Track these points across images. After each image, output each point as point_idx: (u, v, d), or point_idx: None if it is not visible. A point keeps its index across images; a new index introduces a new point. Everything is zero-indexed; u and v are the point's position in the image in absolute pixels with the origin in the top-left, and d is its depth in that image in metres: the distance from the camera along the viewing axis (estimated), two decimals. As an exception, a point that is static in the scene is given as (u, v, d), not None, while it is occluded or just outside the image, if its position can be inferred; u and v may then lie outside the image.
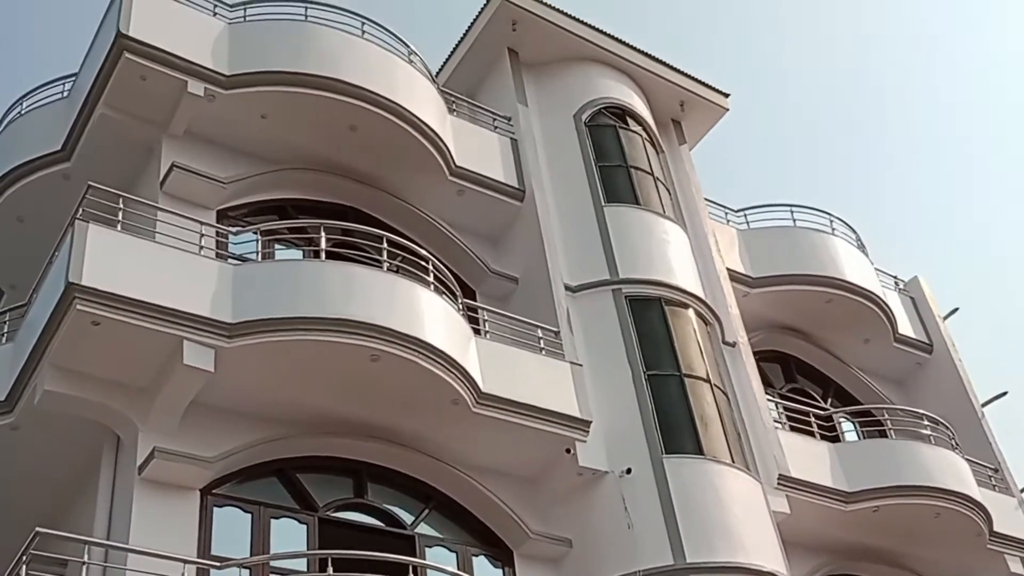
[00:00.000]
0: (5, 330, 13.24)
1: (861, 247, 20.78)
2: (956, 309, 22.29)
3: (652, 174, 17.54)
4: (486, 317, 14.58)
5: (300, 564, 11.99)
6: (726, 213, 19.92)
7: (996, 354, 49.68)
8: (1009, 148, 58.46)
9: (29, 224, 15.09)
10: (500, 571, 13.71)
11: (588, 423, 14.03)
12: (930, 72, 60.22)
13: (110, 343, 11.47)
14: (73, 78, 15.38)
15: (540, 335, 14.68)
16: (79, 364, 11.61)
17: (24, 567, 9.67)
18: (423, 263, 13.61)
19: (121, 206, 12.49)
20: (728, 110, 19.96)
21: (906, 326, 20.96)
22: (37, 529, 9.97)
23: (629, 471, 13.92)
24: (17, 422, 12.11)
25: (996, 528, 17.60)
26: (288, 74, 14.53)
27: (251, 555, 11.80)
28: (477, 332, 14.00)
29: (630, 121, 18.04)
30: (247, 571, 11.40)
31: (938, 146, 60.93)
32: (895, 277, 22.25)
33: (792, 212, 20.35)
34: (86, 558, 10.32)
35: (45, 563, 9.98)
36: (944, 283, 47.77)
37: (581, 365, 14.63)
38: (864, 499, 16.33)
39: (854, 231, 20.85)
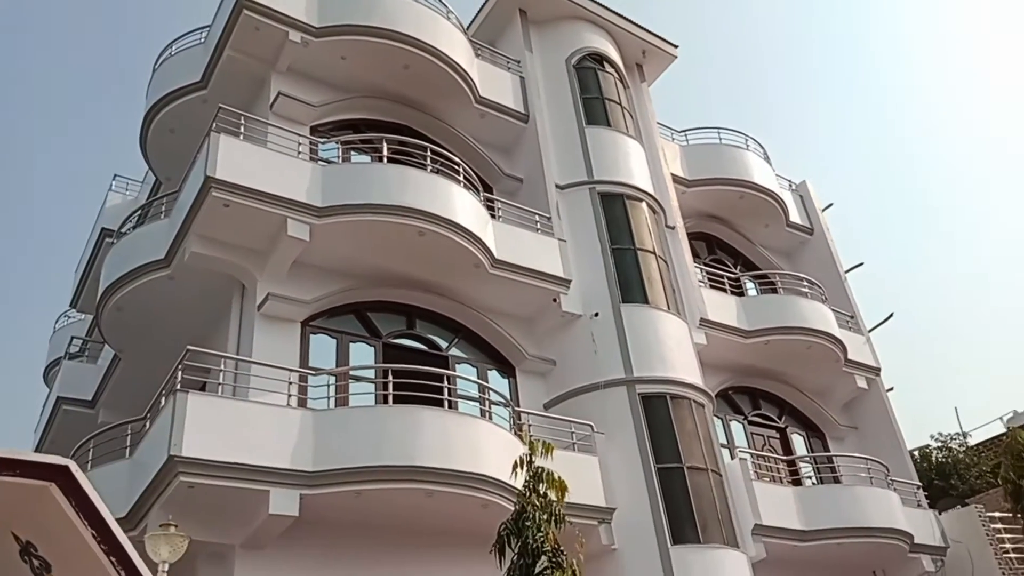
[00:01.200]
0: (163, 209, 13.26)
1: (767, 158, 20.50)
2: (831, 204, 22.16)
3: (620, 104, 17.22)
4: (499, 206, 14.54)
5: (369, 374, 12.30)
6: (672, 133, 19.58)
7: (858, 235, 49.62)
8: (880, 83, 57.12)
9: (178, 134, 14.90)
10: (506, 380, 13.95)
11: (569, 281, 14.16)
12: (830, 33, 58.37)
13: (236, 219, 11.52)
14: (207, 28, 14.99)
15: (537, 219, 14.66)
16: (215, 233, 11.70)
17: (180, 373, 9.90)
18: (455, 166, 13.52)
19: (243, 122, 12.41)
20: (676, 57, 19.42)
21: (795, 215, 20.84)
22: (188, 347, 10.21)
23: (597, 314, 14.10)
24: (172, 274, 12.22)
25: (849, 357, 17.90)
26: (361, 27, 14.14)
27: (336, 367, 12.13)
28: (493, 217, 13.99)
29: (606, 65, 17.61)
30: (334, 378, 11.66)
31: (833, 80, 59.54)
32: (790, 180, 21.99)
33: (719, 132, 20.03)
34: (223, 367, 10.65)
35: (194, 372, 10.21)
36: (825, 185, 47.39)
37: (565, 241, 14.66)
38: (759, 335, 16.59)
39: (762, 147, 20.55)
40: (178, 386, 9.63)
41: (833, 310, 18.17)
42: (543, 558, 8.12)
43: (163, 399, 10.12)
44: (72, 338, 18.19)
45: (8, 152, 52.41)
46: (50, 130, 54.32)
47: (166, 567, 6.06)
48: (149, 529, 8.74)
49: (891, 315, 20.39)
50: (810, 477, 17.01)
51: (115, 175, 19.88)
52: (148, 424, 10.46)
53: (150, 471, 9.51)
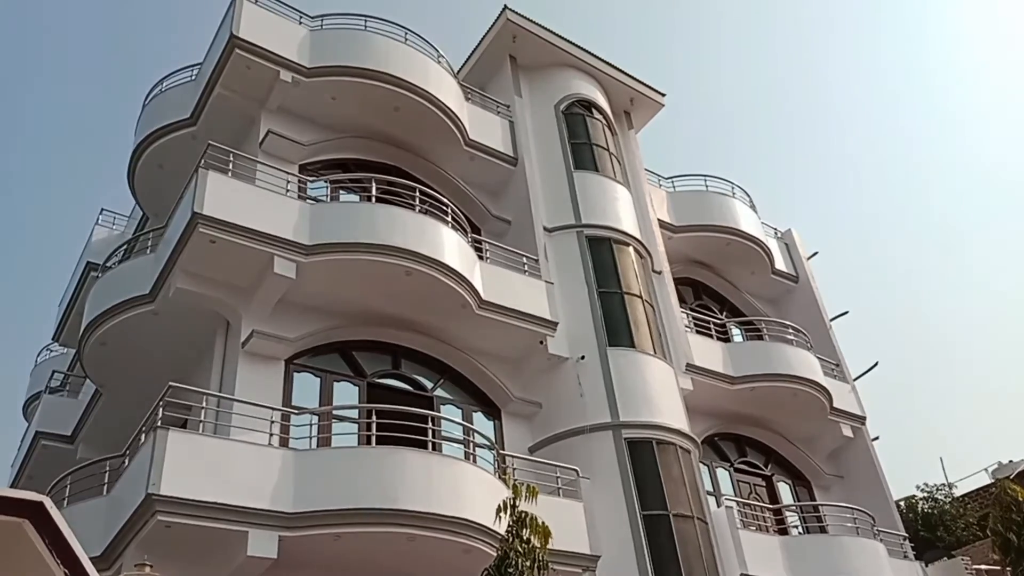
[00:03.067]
0: (149, 244, 13.22)
1: (752, 206, 20.71)
2: (816, 252, 22.37)
3: (608, 150, 17.42)
4: (487, 247, 14.58)
5: (353, 413, 12.19)
6: (659, 179, 19.78)
7: (843, 284, 49.99)
8: (863, 129, 58.08)
9: (166, 170, 14.91)
10: (491, 422, 13.85)
11: (556, 324, 14.15)
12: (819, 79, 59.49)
13: (223, 255, 11.50)
14: (198, 66, 15.15)
15: (524, 261, 14.70)
16: (201, 269, 11.66)
17: (161, 410, 9.79)
18: (444, 207, 13.58)
19: (231, 159, 12.45)
20: (664, 105, 19.73)
21: (780, 263, 20.99)
22: (170, 383, 10.10)
23: (583, 357, 14.07)
24: (157, 309, 12.15)
25: (835, 405, 17.90)
26: (352, 68, 14.32)
27: (320, 405, 12.02)
28: (481, 258, 14.02)
29: (594, 111, 17.84)
30: (317, 417, 11.55)
31: (818, 132, 60.48)
32: (775, 228, 22.19)
33: (705, 180, 20.23)
34: (205, 404, 10.53)
35: (176, 409, 10.10)
36: (810, 234, 47.81)
37: (552, 283, 14.68)
38: (745, 382, 16.57)
39: (748, 195, 20.75)
40: (159, 423, 9.51)
41: (819, 358, 18.21)
42: (526, 605, 7.98)
43: (143, 436, 9.98)
44: (53, 372, 17.99)
45: (-5, 185, 52.31)
46: (37, 162, 54.31)
47: (139, 609, 5.91)
48: (124, 569, 8.57)
49: (876, 364, 20.47)
50: (796, 526, 16.87)
51: (102, 209, 19.91)
52: (127, 461, 10.30)
53: (127, 509, 9.34)
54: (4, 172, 52.47)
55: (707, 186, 20.13)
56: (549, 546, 8.54)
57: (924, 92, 58.83)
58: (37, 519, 5.30)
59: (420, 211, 13.17)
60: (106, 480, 10.76)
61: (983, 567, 16.66)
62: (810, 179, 60.32)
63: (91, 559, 5.44)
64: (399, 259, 12.14)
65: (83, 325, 12.94)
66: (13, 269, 51.98)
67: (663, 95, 19.64)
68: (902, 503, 21.69)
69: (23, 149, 54.14)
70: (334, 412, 11.91)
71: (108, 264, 13.59)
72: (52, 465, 15.17)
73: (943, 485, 23.71)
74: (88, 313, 12.87)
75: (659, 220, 18.00)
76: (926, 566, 16.94)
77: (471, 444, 12.22)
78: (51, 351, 20.54)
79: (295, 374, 12.11)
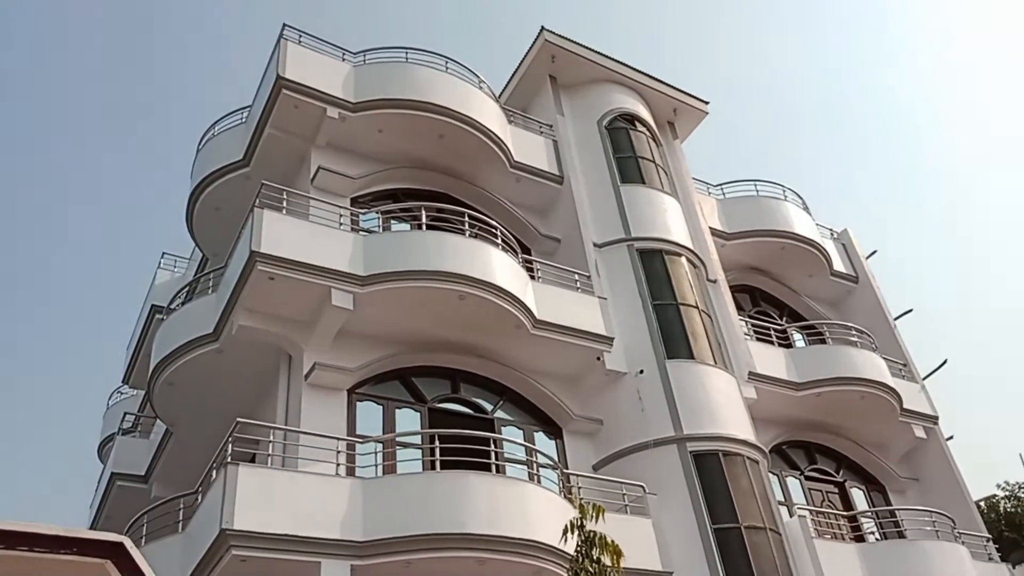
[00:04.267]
0: (210, 284, 13.54)
1: (806, 208, 20.38)
2: (875, 251, 21.88)
3: (654, 162, 17.34)
4: (538, 267, 14.60)
5: (416, 439, 12.26)
6: (708, 187, 19.61)
7: (906, 282, 48.75)
8: (917, 124, 56.78)
9: (223, 211, 15.29)
10: (553, 442, 13.79)
11: (612, 339, 14.06)
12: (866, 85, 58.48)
13: (281, 291, 11.72)
14: (248, 108, 15.55)
15: (576, 279, 14.68)
16: (261, 306, 11.89)
17: (230, 446, 10.00)
18: (493, 230, 13.65)
19: (285, 197, 12.71)
20: (708, 113, 19.57)
21: (839, 264, 20.59)
22: (238, 419, 10.29)
23: (642, 371, 13.94)
24: (221, 347, 12.40)
25: (905, 406, 17.40)
26: (396, 100, 14.54)
27: (383, 433, 12.13)
28: (532, 278, 14.04)
29: (638, 124, 17.80)
30: (381, 445, 11.63)
31: (878, 132, 59.34)
32: (831, 229, 21.82)
33: (756, 185, 20.01)
34: (271, 437, 10.70)
35: (244, 444, 10.31)
36: (868, 233, 46.86)
37: (606, 299, 14.62)
38: (810, 387, 16.22)
39: (800, 197, 20.45)
40: (228, 459, 9.69)
41: (884, 359, 17.74)
42: (600, 625, 7.88)
43: (214, 472, 10.18)
44: (125, 414, 18.50)
45: (63, 233, 54.30)
46: (102, 209, 56.25)
47: (220, 644, 6.01)
48: (202, 606, 8.72)
49: (945, 361, 19.88)
50: (873, 533, 16.38)
51: (163, 253, 20.47)
52: (200, 498, 10.51)
53: (203, 545, 9.52)
54: (75, 219, 54.46)
55: (758, 191, 19.88)
56: (620, 565, 8.45)
57: (969, 84, 57.32)
58: (118, 559, 5.45)
59: (470, 235, 13.26)
60: (180, 517, 11.01)
61: (1075, 566, 15.92)
62: (861, 179, 59.13)
63: (172, 596, 5.55)
64: (452, 284, 12.22)
65: (151, 367, 13.29)
66: (84, 315, 53.78)
67: (706, 103, 19.50)
68: (982, 503, 20.96)
69: (91, 195, 56.18)
70: (398, 439, 11.99)
71: (172, 306, 13.96)
72: (128, 504, 15.56)
73: (1025, 483, 22.85)
74: (155, 355, 13.21)
75: (711, 228, 17.82)
76: (1013, 568, 16.27)
77: (534, 465, 12.18)
78: (122, 393, 21.14)
79: (358, 403, 12.24)
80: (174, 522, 11.00)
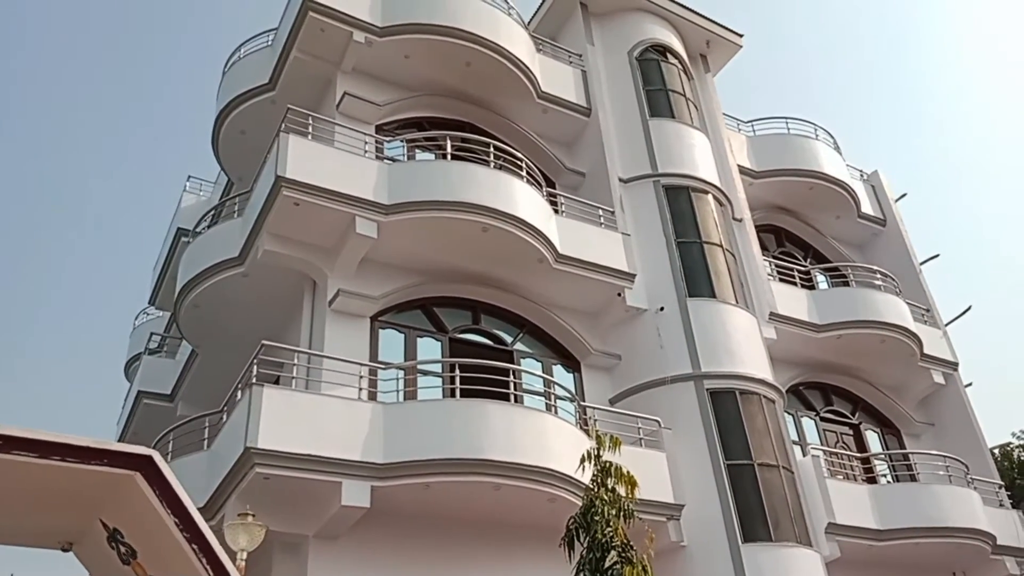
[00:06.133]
0: (236, 208, 13.58)
1: (836, 148, 19.98)
2: (905, 194, 21.48)
3: (684, 95, 16.99)
4: (562, 201, 14.50)
5: (437, 368, 12.40)
6: (738, 124, 19.23)
7: (934, 226, 47.99)
8: (958, 65, 55.15)
9: (248, 135, 15.24)
10: (571, 375, 13.91)
11: (634, 275, 14.03)
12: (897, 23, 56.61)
13: (306, 217, 11.72)
14: (274, 31, 15.33)
15: (600, 214, 14.58)
16: (286, 231, 11.92)
17: (255, 367, 10.14)
18: (518, 162, 13.52)
19: (310, 122, 12.63)
20: (742, 47, 19.05)
21: (867, 206, 20.28)
22: (263, 342, 10.43)
23: (662, 309, 13.94)
24: (246, 271, 12.48)
25: (925, 351, 17.33)
26: (423, 25, 14.26)
27: (404, 361, 12.26)
28: (556, 212, 13.95)
29: (669, 56, 17.38)
30: (402, 372, 11.76)
31: (905, 70, 57.71)
32: (861, 170, 21.41)
33: (787, 123, 19.59)
34: (296, 361, 10.85)
35: (268, 366, 10.44)
36: (898, 175, 45.95)
37: (629, 235, 14.53)
38: (831, 330, 16.16)
39: (832, 136, 20.03)
40: (253, 380, 9.86)
41: (908, 303, 17.60)
42: (612, 552, 8.05)
43: (239, 393, 10.38)
44: (151, 334, 18.81)
45: (89, 156, 54.52)
46: (129, 132, 56.27)
47: (244, 555, 6.21)
48: (227, 519, 8.99)
49: (969, 308, 19.68)
50: (885, 475, 16.51)
51: (189, 176, 20.56)
52: (225, 417, 10.75)
53: (227, 462, 9.77)
54: (103, 142, 54.59)
55: (789, 129, 19.49)
56: (634, 495, 8.59)
57: (1014, 31, 55.24)
58: (147, 472, 5.59)
59: (495, 167, 13.14)
60: (206, 435, 11.27)
61: (1086, 515, 15.99)
62: (897, 119, 57.75)
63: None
64: (475, 215, 12.16)
65: (177, 289, 13.45)
66: (112, 237, 54.35)
67: (740, 36, 18.98)
68: (996, 451, 21.00)
69: (118, 116, 56.16)
70: (419, 367, 12.12)
71: (198, 229, 14.04)
72: (154, 422, 15.94)
73: (1042, 432, 22.84)
74: (181, 277, 13.36)
75: (739, 166, 17.55)
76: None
77: (552, 396, 12.31)
78: (148, 314, 21.47)
79: (380, 331, 12.35)
80: (199, 440, 11.27)
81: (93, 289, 53.81)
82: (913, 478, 15.70)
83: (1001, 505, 16.09)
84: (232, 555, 5.84)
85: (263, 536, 6.44)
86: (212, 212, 14.41)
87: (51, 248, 52.50)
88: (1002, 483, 16.88)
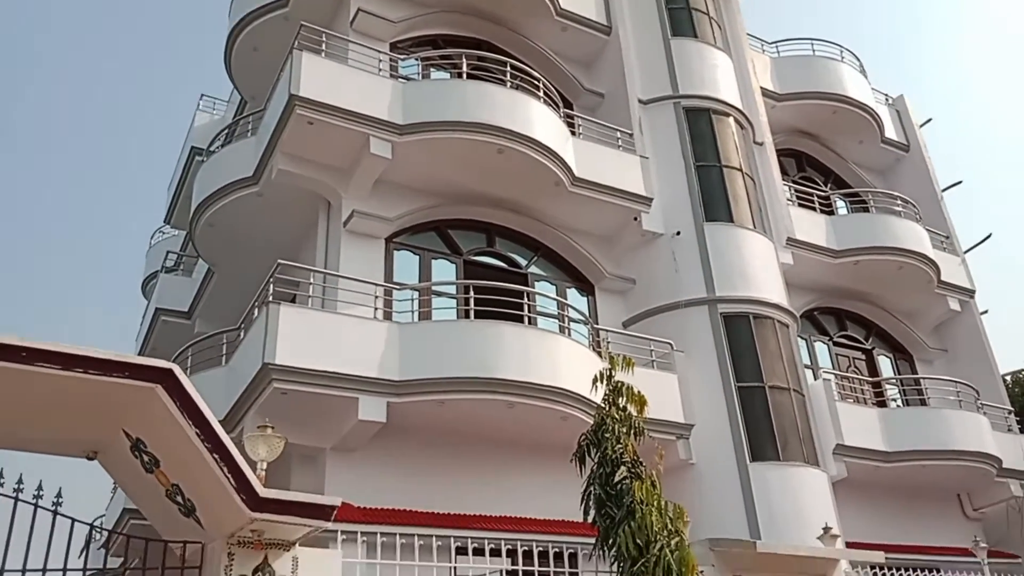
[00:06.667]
0: (249, 127, 13.50)
1: (862, 71, 19.49)
2: (929, 119, 21.05)
3: (708, 14, 16.52)
4: (580, 122, 14.30)
5: (451, 289, 12.49)
6: (762, 45, 18.74)
7: (956, 152, 47.12)
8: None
9: (261, 53, 14.99)
10: (585, 298, 13.98)
11: (651, 199, 13.95)
12: (932, -70, 54.30)
13: (321, 136, 11.65)
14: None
15: (619, 136, 14.40)
16: (301, 151, 11.87)
17: (272, 286, 10.25)
18: (535, 82, 13.30)
19: (324, 39, 12.42)
20: (768, -37, 18.46)
21: (891, 131, 19.88)
22: (279, 261, 10.52)
23: (679, 233, 13.89)
24: (261, 191, 12.48)
25: (943, 278, 17.24)
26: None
27: (419, 282, 12.35)
28: (573, 133, 13.79)
29: (692, -28, 16.82)
30: (417, 293, 11.85)
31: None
32: (886, 94, 20.91)
33: (812, 44, 19.09)
34: (311, 280, 10.96)
35: (284, 285, 10.55)
36: (923, 100, 44.90)
37: (648, 158, 14.38)
38: (848, 255, 16.07)
39: (858, 59, 19.51)
40: (270, 298, 9.99)
41: (927, 230, 17.44)
42: (622, 468, 8.24)
43: (256, 310, 10.53)
44: (168, 252, 18.97)
45: (104, 76, 54.06)
46: (141, 47, 55.61)
47: (264, 466, 6.40)
48: (246, 432, 9.23)
49: (989, 235, 19.49)
50: (896, 400, 16.66)
51: (202, 95, 20.33)
52: (242, 334, 10.94)
53: (245, 378, 9.99)
54: (116, 60, 54.05)
55: (814, 51, 19.02)
56: (644, 414, 8.74)
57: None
58: (168, 384, 5.75)
59: (511, 87, 12.94)
60: (224, 352, 11.49)
61: (1094, 441, 16.11)
62: (923, 43, 56.04)
63: (217, 421, 5.87)
64: (491, 137, 12.05)
65: (192, 208, 13.50)
66: (126, 156, 54.32)
67: (767, -48, 18.31)
68: (1008, 378, 21.05)
69: (132, 34, 55.44)
70: (433, 288, 12.21)
71: (211, 149, 14.00)
72: (172, 339, 16.21)
73: (1055, 361, 22.84)
74: (196, 196, 13.39)
75: (762, 88, 17.17)
76: (1032, 440, 16.56)
77: (566, 319, 12.41)
78: (163, 233, 21.62)
79: (395, 252, 12.40)
80: (217, 356, 11.50)
81: (109, 208, 54.12)
82: (923, 403, 15.84)
83: (1009, 430, 16.25)
84: (252, 465, 6.03)
85: (282, 447, 6.61)
86: (225, 131, 14.34)
87: (66, 166, 52.62)
88: (1011, 409, 17.00)
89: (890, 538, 13.45)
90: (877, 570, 10.49)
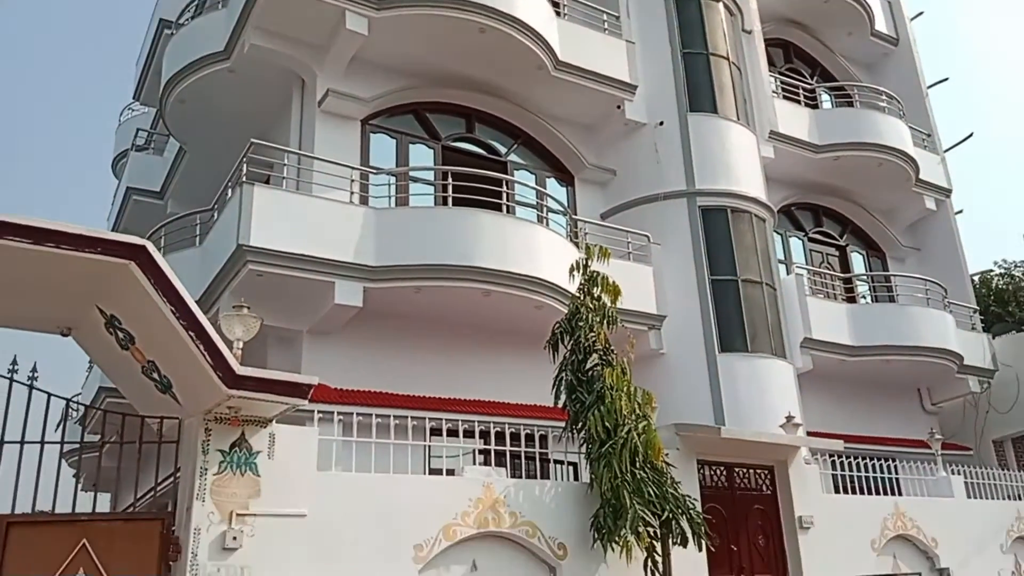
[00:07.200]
0: (219, -1, 12.92)
1: (856, -42, 18.93)
2: (921, 12, 20.62)
3: None
4: (565, 3, 13.79)
5: (429, 175, 12.34)
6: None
7: (947, 50, 46.44)
8: None
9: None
10: (564, 189, 13.90)
11: (635, 87, 13.70)
12: None
13: (294, 9, 11.18)
14: None
15: (605, 19, 13.98)
16: (273, 25, 11.42)
17: (244, 165, 10.02)
18: (520, -42, 12.76)
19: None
20: None
21: (881, 24, 19.45)
22: (252, 140, 10.29)
23: (662, 123, 13.74)
24: (233, 67, 12.04)
25: (921, 177, 17.31)
26: None
27: (396, 167, 12.18)
28: (558, 14, 13.35)
29: None
30: (394, 178, 11.71)
31: None
32: (879, -17, 20.41)
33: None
34: (285, 161, 10.77)
35: (258, 166, 10.32)
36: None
37: (634, 43, 14.04)
38: (829, 151, 16.00)
39: (852, -56, 18.90)
40: (244, 178, 9.83)
41: (910, 127, 17.37)
42: (594, 356, 8.47)
43: (230, 191, 10.38)
44: (138, 130, 18.47)
45: (60, -62, 51.08)
46: (100, -86, 52.42)
47: (240, 345, 6.46)
48: (221, 312, 9.27)
49: (971, 135, 19.47)
50: (866, 297, 17.01)
51: (170, -38, 19.26)
52: (216, 215, 10.82)
53: (220, 259, 9.95)
54: (67, -77, 50.97)
55: (806, -65, 18.32)
56: (618, 304, 8.90)
57: None
58: (141, 261, 5.72)
59: (495, -38, 12.41)
60: (197, 233, 11.38)
61: (1053, 341, 16.68)
62: (925, -72, 54.21)
63: (191, 301, 5.87)
64: (472, 15, 11.63)
65: (161, 84, 13.05)
66: (91, 29, 52.08)
67: None
68: (976, 278, 21.52)
69: (83, -103, 52.11)
70: (411, 173, 12.07)
71: (181, 21, 13.43)
72: (144, 219, 15.96)
73: (1021, 262, 23.33)
74: (165, 72, 12.93)
75: (751, -28, 16.62)
76: (993, 338, 17.10)
77: (544, 209, 12.38)
78: (133, 110, 20.96)
79: (371, 135, 12.17)
80: (191, 237, 11.40)
81: (77, 83, 52.26)
82: (892, 300, 16.19)
83: (973, 328, 16.73)
84: (228, 344, 6.08)
85: (258, 327, 6.67)
86: (195, 2, 13.71)
87: (27, 40, 50.42)
88: (977, 308, 17.46)
89: (851, 429, 14.01)
90: (836, 458, 10.93)
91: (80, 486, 7.27)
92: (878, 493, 10.95)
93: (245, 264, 9.46)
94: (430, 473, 9.14)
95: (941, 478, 11.83)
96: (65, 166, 51.32)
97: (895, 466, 11.55)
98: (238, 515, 6.12)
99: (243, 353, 6.45)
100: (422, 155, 12.64)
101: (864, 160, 16.27)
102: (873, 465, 11.13)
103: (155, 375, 6.28)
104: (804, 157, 15.80)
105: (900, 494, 11.42)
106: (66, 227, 5.49)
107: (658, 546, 7.80)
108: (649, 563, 7.73)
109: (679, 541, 7.83)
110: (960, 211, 18.50)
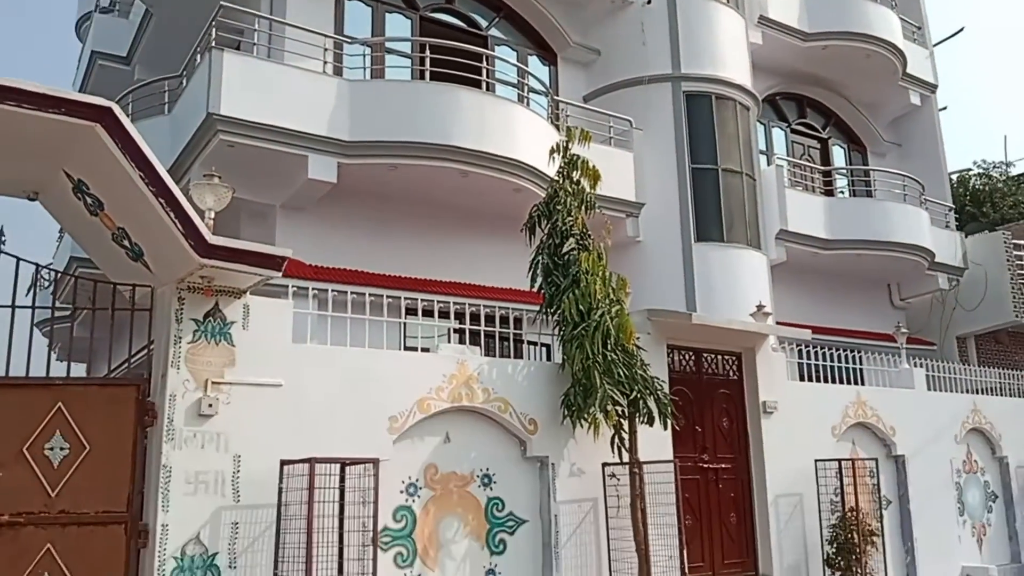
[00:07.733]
0: None
1: None
2: None
3: None
4: None
5: (406, 47, 11.94)
6: None
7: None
8: None
9: None
10: (547, 68, 13.57)
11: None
12: None
13: None
14: None
15: None
16: None
17: (214, 30, 9.61)
18: None
19: None
20: None
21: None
22: (221, 3, 9.78)
23: (649, 2, 13.32)
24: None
25: (908, 70, 17.09)
26: None
27: (372, 37, 11.74)
28: None
29: None
30: (369, 48, 11.24)
31: None
32: None
33: None
34: (256, 27, 10.32)
35: (228, 31, 9.90)
36: None
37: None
38: (818, 39, 15.60)
39: None
40: (212, 43, 9.45)
41: (900, 18, 17.01)
42: (571, 240, 8.48)
43: (199, 56, 10.00)
44: (100, -10, 17.58)
45: None
46: None
47: (212, 215, 6.36)
48: (192, 182, 9.09)
49: (961, 29, 19.18)
50: (843, 191, 17.07)
51: None
52: (185, 81, 10.45)
53: (189, 128, 9.68)
54: None
55: None
56: (597, 190, 8.85)
57: None
58: (107, 123, 5.53)
59: None
60: (166, 100, 11.01)
61: (1022, 242, 16.94)
62: None
63: (161, 169, 5.73)
64: None
65: (124, -62, 12.35)
66: None
67: None
68: (954, 177, 21.62)
69: None
70: (387, 44, 11.66)
71: None
72: (111, 86, 15.32)
73: (1000, 163, 23.42)
74: (127, -75, 12.21)
75: None
76: (965, 237, 17.34)
77: (525, 88, 12.10)
78: (96, -31, 19.89)
79: (346, 2, 11.67)
80: (160, 104, 11.04)
81: (30, -62, 49.26)
82: (870, 195, 16.26)
83: (947, 226, 16.93)
84: (200, 214, 5.99)
85: (229, 198, 6.55)
86: None
87: None
88: (952, 206, 17.61)
89: (820, 320, 14.34)
90: (803, 347, 11.20)
91: (55, 356, 7.29)
92: (843, 383, 11.29)
93: (216, 134, 9.22)
94: (405, 351, 9.25)
95: (904, 370, 12.19)
96: (24, 24, 48.99)
97: (860, 357, 11.87)
98: (213, 383, 6.18)
99: (216, 225, 6.36)
100: (399, 25, 12.19)
101: (852, 50, 15.95)
102: (839, 355, 11.44)
103: (126, 243, 6.20)
104: (792, 45, 15.45)
105: (863, 384, 11.79)
106: (28, 85, 5.28)
107: (625, 424, 8.04)
108: (616, 439, 7.99)
109: (646, 420, 8.07)
110: (944, 108, 18.43)
